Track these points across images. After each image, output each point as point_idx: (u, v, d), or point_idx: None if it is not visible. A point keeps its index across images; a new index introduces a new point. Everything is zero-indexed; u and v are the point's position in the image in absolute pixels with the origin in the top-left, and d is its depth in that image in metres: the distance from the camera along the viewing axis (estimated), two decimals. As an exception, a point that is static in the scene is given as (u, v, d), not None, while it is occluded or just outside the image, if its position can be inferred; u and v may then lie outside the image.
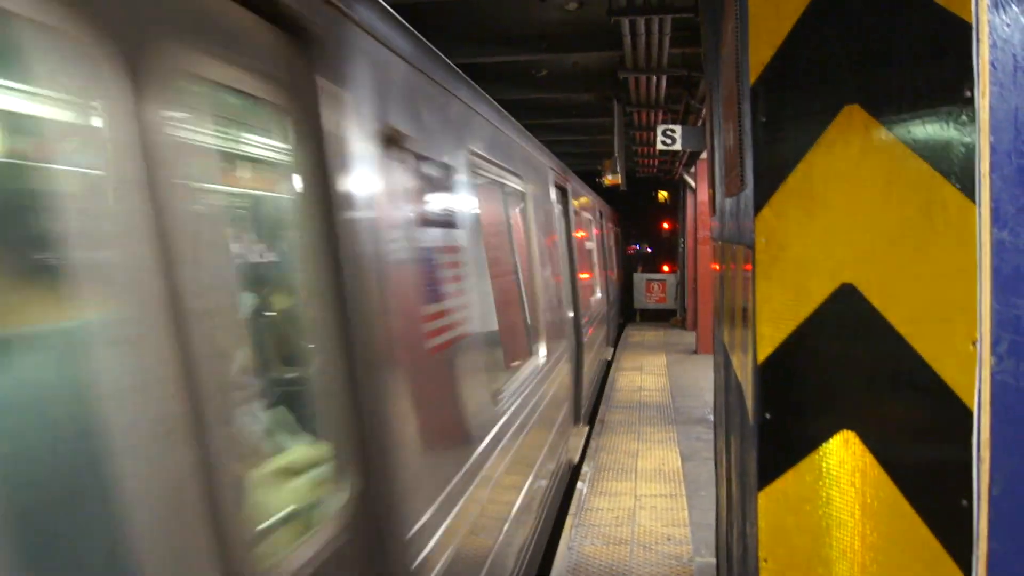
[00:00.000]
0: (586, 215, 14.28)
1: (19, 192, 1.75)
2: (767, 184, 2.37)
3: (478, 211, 5.03)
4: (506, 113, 6.64)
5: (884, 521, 2.19)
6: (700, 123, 13.00)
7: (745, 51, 2.45)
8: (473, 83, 5.32)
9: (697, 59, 10.28)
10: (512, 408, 5.38)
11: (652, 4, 8.33)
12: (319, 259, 2.58)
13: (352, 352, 2.65)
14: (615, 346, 20.27)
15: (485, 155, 5.26)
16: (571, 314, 10.05)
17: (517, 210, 7.42)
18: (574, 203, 11.79)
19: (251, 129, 3.06)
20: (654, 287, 27.70)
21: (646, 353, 19.39)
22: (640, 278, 28.25)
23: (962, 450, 2.04)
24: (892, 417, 2.18)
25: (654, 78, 11.94)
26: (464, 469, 3.87)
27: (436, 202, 3.95)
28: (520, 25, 10.94)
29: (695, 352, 18.81)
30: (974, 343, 2.01)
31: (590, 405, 12.25)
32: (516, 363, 6.35)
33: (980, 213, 2.00)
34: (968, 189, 2.01)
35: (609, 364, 17.43)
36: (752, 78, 2.39)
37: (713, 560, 6.28)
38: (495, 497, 4.59)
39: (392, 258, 3.11)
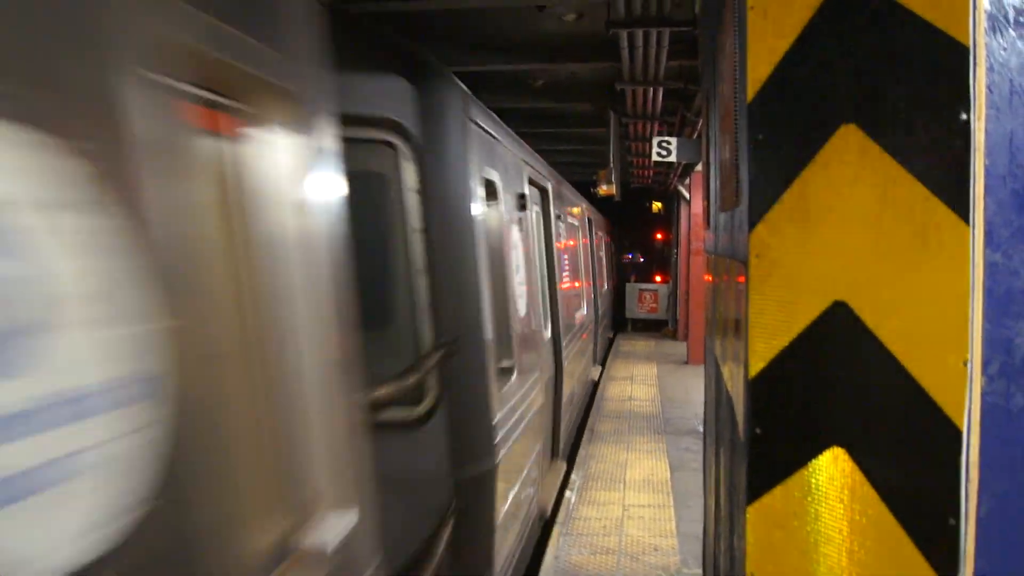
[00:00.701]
0: (572, 221, 13.10)
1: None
2: (762, 200, 2.38)
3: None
4: None
5: (872, 538, 2.20)
6: (696, 135, 13.04)
7: (743, 67, 2.47)
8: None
9: (694, 72, 10.32)
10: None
11: (651, 17, 8.36)
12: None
13: None
14: (604, 363, 18.96)
15: None
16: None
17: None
18: (560, 209, 11.50)
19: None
20: (646, 297, 27.72)
21: (637, 363, 19.41)
22: (632, 288, 28.27)
23: (951, 470, 2.06)
24: (882, 435, 2.19)
25: (651, 90, 11.97)
26: None
27: None
28: (518, 35, 10.95)
29: (686, 363, 18.83)
30: (965, 363, 2.03)
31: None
32: None
33: (974, 235, 2.02)
34: (962, 211, 2.03)
35: (596, 384, 16.13)
36: (749, 95, 2.41)
37: (700, 572, 6.29)
38: None
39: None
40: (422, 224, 4.42)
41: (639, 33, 8.88)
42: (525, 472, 6.39)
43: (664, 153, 12.31)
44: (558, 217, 10.49)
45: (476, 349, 4.66)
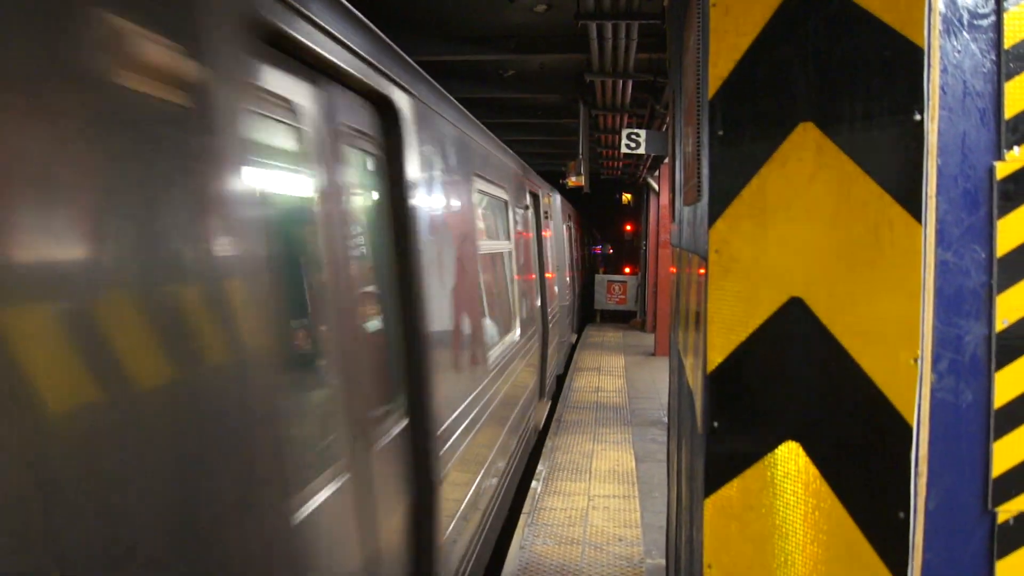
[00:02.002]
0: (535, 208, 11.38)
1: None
2: (722, 196, 2.40)
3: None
4: None
5: (824, 531, 2.24)
6: (664, 128, 13.08)
7: (705, 64, 2.48)
8: None
9: (663, 65, 10.35)
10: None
11: (620, 9, 8.38)
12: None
13: None
14: (577, 337, 20.06)
15: None
16: (538, 304, 11.45)
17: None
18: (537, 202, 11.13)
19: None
20: (615, 288, 27.81)
21: (605, 354, 19.49)
22: (601, 279, 28.36)
23: (901, 464, 2.09)
24: (835, 430, 2.23)
25: (620, 82, 12.01)
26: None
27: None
28: (488, 25, 10.94)
29: (653, 354, 18.93)
30: (916, 360, 2.06)
31: (552, 384, 13.54)
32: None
33: (926, 234, 2.05)
34: (915, 210, 2.06)
35: (573, 348, 18.76)
36: (711, 91, 2.43)
37: (663, 562, 6.35)
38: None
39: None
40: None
41: (608, 25, 8.90)
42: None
43: (633, 145, 12.33)
44: (545, 214, 11.86)
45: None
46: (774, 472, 2.34)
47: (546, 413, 11.89)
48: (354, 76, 3.37)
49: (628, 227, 37.33)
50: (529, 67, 13.69)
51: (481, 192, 7.11)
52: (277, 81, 2.77)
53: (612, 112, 14.33)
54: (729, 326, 2.41)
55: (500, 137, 9.11)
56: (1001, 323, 2.07)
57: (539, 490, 8.78)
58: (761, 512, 2.38)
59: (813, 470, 2.26)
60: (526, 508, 8.20)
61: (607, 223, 39.48)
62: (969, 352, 2.07)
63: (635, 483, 9.04)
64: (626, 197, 29.94)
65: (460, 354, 5.51)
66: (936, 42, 2.06)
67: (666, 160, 15.46)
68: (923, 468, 2.08)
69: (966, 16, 2.07)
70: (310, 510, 2.75)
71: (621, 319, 27.05)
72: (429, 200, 4.70)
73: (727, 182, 2.40)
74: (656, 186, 19.97)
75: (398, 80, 4.03)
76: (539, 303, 11.72)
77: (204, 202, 2.06)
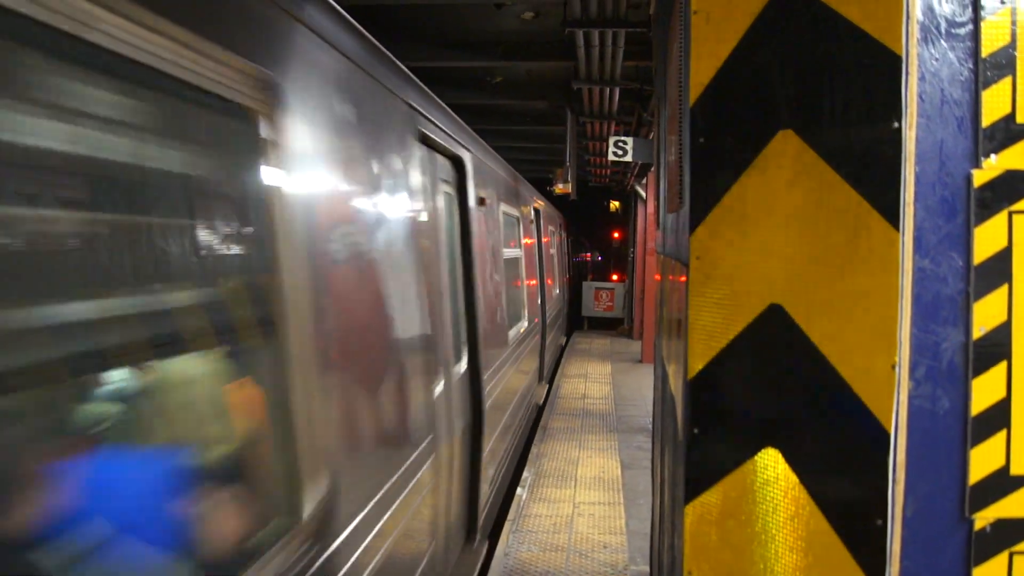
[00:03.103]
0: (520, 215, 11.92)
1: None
2: (703, 203, 2.41)
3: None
4: None
5: (803, 538, 2.24)
6: (651, 136, 13.12)
7: (687, 71, 2.49)
8: None
9: (650, 73, 10.38)
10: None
11: (606, 17, 8.40)
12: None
13: None
14: (552, 376, 18.44)
15: None
16: (539, 301, 12.77)
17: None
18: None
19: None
20: (602, 295, 27.84)
21: (592, 361, 19.49)
22: (589, 286, 28.38)
23: (879, 471, 2.10)
24: (814, 437, 2.23)
25: (607, 90, 12.03)
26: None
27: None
28: (476, 32, 10.95)
29: (640, 361, 18.94)
30: (894, 367, 2.07)
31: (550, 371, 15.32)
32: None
33: (903, 241, 2.06)
34: (893, 217, 2.07)
35: (563, 349, 20.44)
36: (692, 99, 2.43)
37: (647, 569, 6.34)
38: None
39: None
40: None
41: (595, 33, 8.92)
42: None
43: (620, 153, 12.37)
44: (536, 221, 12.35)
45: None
46: (754, 479, 2.35)
47: (544, 394, 14.31)
48: (445, 147, 5.68)
49: (616, 234, 37.39)
50: (517, 74, 13.72)
51: (506, 213, 9.75)
52: (424, 156, 5.00)
53: (600, 119, 14.35)
54: (710, 333, 2.41)
55: (489, 143, 9.14)
56: (978, 330, 2.08)
57: (524, 497, 8.76)
58: (741, 519, 2.38)
59: (792, 477, 2.26)
60: (511, 515, 8.18)
61: (595, 230, 39.53)
62: (946, 359, 2.08)
63: (620, 490, 9.04)
64: (614, 205, 29.98)
65: (497, 327, 8.15)
66: (914, 50, 2.07)
67: (653, 168, 15.51)
68: (900, 475, 2.08)
69: (944, 24, 2.08)
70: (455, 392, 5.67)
71: (608, 326, 27.07)
72: (480, 218, 7.19)
73: (708, 189, 2.40)
74: (643, 194, 20.00)
75: (464, 144, 6.51)
76: (539, 300, 13.83)
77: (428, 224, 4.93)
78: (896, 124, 2.06)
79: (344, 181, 3.36)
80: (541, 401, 13.20)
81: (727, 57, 2.36)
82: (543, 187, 18.39)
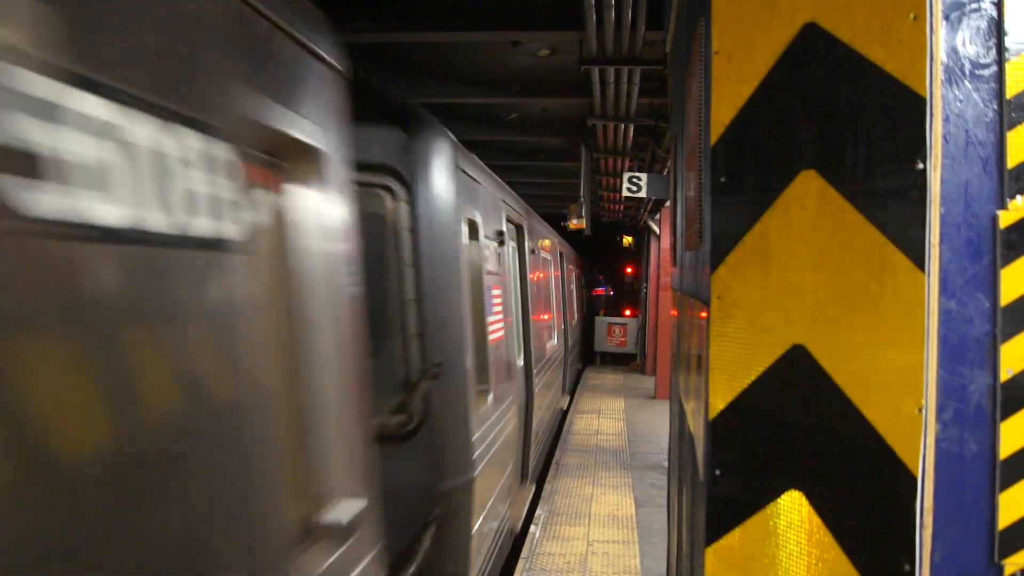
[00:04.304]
0: (545, 255, 13.33)
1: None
2: (724, 242, 2.40)
3: None
4: None
5: (828, 583, 2.20)
6: (665, 172, 13.14)
7: (707, 111, 2.49)
8: None
9: (664, 110, 10.43)
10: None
11: (622, 55, 8.45)
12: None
13: None
14: (572, 392, 19.39)
15: None
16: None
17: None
18: (533, 243, 11.71)
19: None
20: (615, 331, 27.78)
21: (605, 396, 19.41)
22: (602, 321, 28.34)
23: (906, 515, 2.07)
24: (839, 479, 2.20)
25: (622, 126, 12.08)
26: None
27: None
28: (493, 69, 11.03)
29: (653, 397, 18.84)
30: (920, 410, 2.04)
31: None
32: None
33: (929, 283, 2.05)
34: (918, 258, 2.05)
35: (565, 412, 16.68)
36: (713, 138, 2.44)
37: (662, 610, 6.25)
38: None
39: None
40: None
41: (610, 70, 8.98)
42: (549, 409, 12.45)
43: (634, 188, 12.39)
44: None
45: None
46: (777, 522, 2.31)
47: (567, 403, 16.90)
48: (518, 222, 9.30)
49: (629, 269, 37.38)
50: (532, 110, 13.80)
51: (544, 258, 12.94)
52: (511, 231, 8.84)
53: (613, 155, 14.41)
54: (731, 373, 2.39)
55: (504, 179, 9.21)
56: (1006, 373, 2.05)
57: (537, 535, 8.68)
58: (764, 562, 2.34)
59: (816, 520, 2.23)
60: (524, 553, 8.10)
61: (608, 265, 39.53)
62: (974, 402, 2.06)
63: (634, 528, 8.95)
64: (627, 240, 30.01)
65: (541, 339, 11.16)
66: (938, 91, 2.07)
67: (667, 204, 15.53)
68: (928, 519, 2.05)
69: (968, 66, 2.08)
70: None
71: (621, 361, 26.97)
72: (533, 264, 10.32)
73: (729, 228, 2.40)
74: (657, 229, 20.01)
75: (525, 215, 9.98)
76: (562, 326, 16.08)
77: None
78: (921, 165, 2.05)
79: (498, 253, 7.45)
80: (566, 406, 16.51)
81: (749, 97, 2.37)
82: (557, 222, 18.43)
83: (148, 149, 1.52)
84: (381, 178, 4.91)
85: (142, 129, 1.50)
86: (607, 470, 11.69)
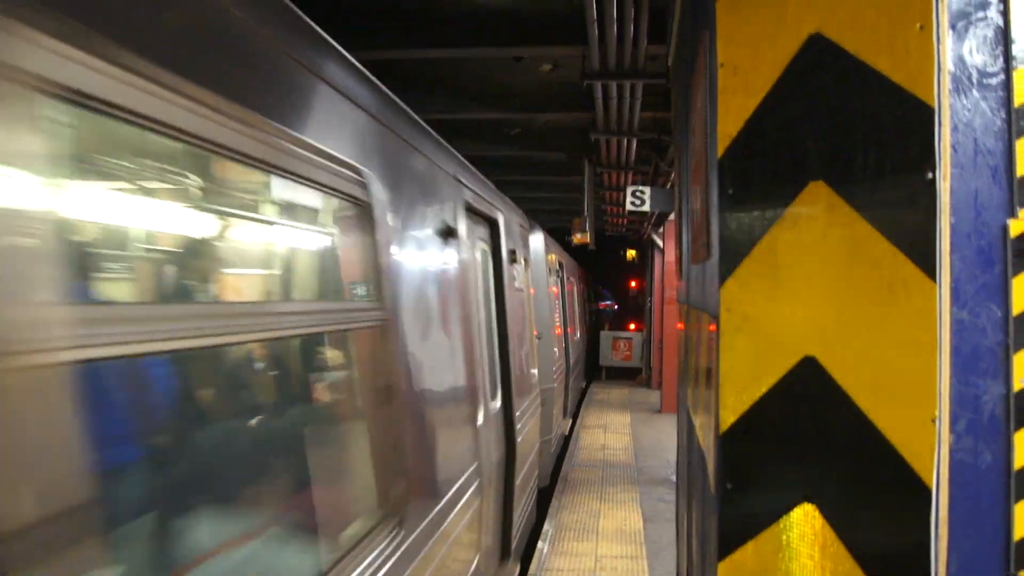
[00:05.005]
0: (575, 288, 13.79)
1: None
2: (732, 255, 2.39)
3: None
4: None
5: (843, 596, 2.18)
6: (669, 186, 13.15)
7: (713, 123, 2.49)
8: None
9: (667, 123, 10.44)
10: None
11: (624, 70, 8.47)
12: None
13: None
14: (576, 413, 18.60)
15: None
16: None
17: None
18: (570, 280, 11.71)
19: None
20: (620, 345, 27.73)
21: (610, 411, 19.35)
22: (606, 336, 28.29)
23: (920, 527, 2.05)
24: (852, 492, 2.19)
25: (625, 140, 12.09)
26: None
27: None
28: (496, 84, 11.06)
29: (659, 411, 18.78)
30: (933, 420, 2.03)
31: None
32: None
33: (940, 292, 2.04)
34: (929, 268, 2.04)
35: (568, 437, 15.51)
36: (720, 150, 2.43)
37: (672, 626, 6.21)
38: None
39: None
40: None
41: (613, 85, 8.99)
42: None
43: (638, 202, 12.41)
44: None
45: None
46: (790, 535, 2.30)
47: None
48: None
49: (633, 283, 37.36)
50: (535, 125, 13.82)
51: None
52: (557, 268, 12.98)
53: (617, 170, 14.42)
54: (742, 385, 2.38)
55: (507, 194, 9.20)
56: (1019, 382, 2.04)
57: (545, 551, 8.64)
58: (777, 576, 2.32)
59: (830, 532, 2.21)
60: (532, 569, 8.06)
61: (612, 279, 39.53)
62: (987, 412, 2.04)
63: (643, 544, 8.90)
64: (631, 254, 30.00)
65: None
66: (946, 101, 2.06)
67: (671, 217, 15.53)
68: (943, 531, 2.03)
69: (975, 75, 2.07)
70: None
71: (626, 375, 26.91)
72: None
73: (737, 240, 2.39)
74: (661, 243, 20.01)
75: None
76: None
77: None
78: (930, 175, 2.05)
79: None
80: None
81: (755, 109, 2.37)
82: (561, 236, 18.44)
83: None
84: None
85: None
86: (614, 485, 11.64)
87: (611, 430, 16.52)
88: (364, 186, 3.21)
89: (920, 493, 2.04)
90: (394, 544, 3.23)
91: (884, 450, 2.09)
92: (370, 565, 2.97)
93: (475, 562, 5.19)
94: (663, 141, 11.83)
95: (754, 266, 2.35)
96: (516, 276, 8.29)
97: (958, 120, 2.07)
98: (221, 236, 3.06)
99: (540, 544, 8.84)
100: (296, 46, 2.77)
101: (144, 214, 2.72)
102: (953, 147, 2.06)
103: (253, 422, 3.21)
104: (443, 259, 4.66)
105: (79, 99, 1.59)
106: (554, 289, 13.66)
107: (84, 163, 2.17)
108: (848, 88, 2.18)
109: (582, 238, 16.12)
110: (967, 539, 2.05)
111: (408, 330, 3.75)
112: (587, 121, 11.59)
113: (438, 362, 4.38)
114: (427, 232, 4.38)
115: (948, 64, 2.07)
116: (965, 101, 2.08)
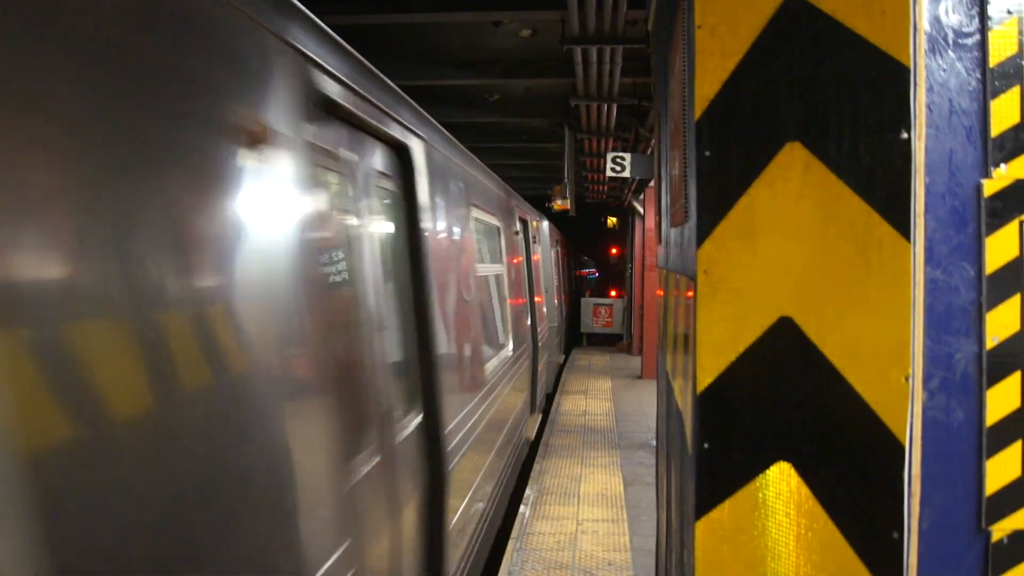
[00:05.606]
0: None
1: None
2: (709, 217, 2.40)
3: None
4: None
5: (818, 552, 2.22)
6: (649, 152, 13.13)
7: (691, 85, 2.49)
8: None
9: (647, 89, 10.41)
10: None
11: (604, 34, 8.43)
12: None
13: None
14: (564, 358, 21.60)
15: None
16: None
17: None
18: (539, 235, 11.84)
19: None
20: (601, 311, 27.83)
21: (592, 377, 19.47)
22: (588, 302, 28.39)
23: (894, 484, 2.08)
24: (827, 450, 2.21)
25: (605, 106, 12.07)
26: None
27: None
28: (474, 50, 10.99)
29: (640, 377, 18.92)
30: (907, 378, 2.05)
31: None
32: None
33: (915, 252, 2.05)
34: (903, 228, 2.06)
35: (561, 367, 20.48)
36: (697, 113, 2.43)
37: (653, 587, 6.30)
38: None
39: None
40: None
41: (592, 50, 8.95)
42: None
43: (618, 168, 12.38)
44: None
45: None
46: (766, 493, 2.33)
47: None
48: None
49: (614, 250, 37.41)
50: (514, 91, 13.75)
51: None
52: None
53: (597, 136, 14.40)
54: (718, 347, 2.39)
55: (485, 161, 9.15)
56: (991, 340, 2.07)
57: (527, 515, 8.72)
58: (753, 534, 2.36)
59: (805, 490, 2.24)
60: (514, 533, 8.14)
61: (593, 246, 39.58)
62: (960, 370, 2.07)
63: (624, 507, 9.00)
64: (611, 221, 30.02)
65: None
66: (922, 61, 2.07)
67: (651, 183, 15.53)
68: (916, 487, 2.07)
69: (951, 35, 2.08)
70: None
71: (608, 342, 27.04)
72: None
73: (714, 203, 2.39)
74: (641, 209, 20.02)
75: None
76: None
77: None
78: (905, 135, 2.06)
79: None
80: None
81: (733, 70, 2.36)
82: (541, 204, 18.42)
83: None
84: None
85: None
86: (595, 450, 11.74)
87: (592, 396, 16.63)
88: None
89: (894, 450, 2.07)
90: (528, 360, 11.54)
91: (859, 408, 2.12)
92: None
93: (526, 400, 11.29)
94: (643, 107, 11.82)
95: (731, 228, 2.35)
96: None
97: (933, 80, 2.08)
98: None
99: (522, 508, 8.92)
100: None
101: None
102: (928, 107, 2.07)
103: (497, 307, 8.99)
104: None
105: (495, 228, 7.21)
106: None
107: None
108: (825, 49, 2.18)
109: (562, 205, 16.10)
110: (940, 495, 2.08)
111: (511, 278, 10.20)
112: (567, 87, 11.56)
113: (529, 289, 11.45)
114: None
115: (924, 24, 2.07)
116: (941, 61, 2.08)
